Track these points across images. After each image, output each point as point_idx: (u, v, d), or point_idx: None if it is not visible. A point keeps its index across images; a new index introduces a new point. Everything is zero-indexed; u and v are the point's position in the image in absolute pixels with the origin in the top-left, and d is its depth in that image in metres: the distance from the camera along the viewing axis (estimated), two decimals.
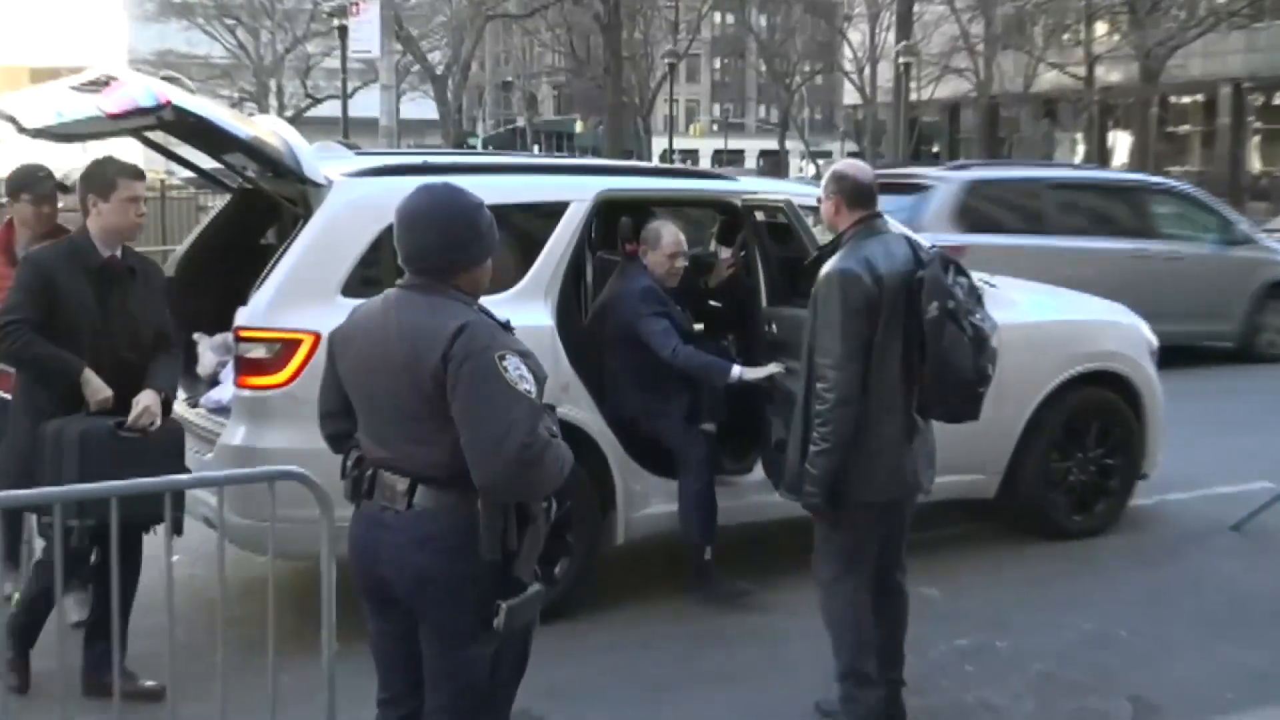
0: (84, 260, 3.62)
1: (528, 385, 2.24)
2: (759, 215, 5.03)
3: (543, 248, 4.54)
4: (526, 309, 4.26)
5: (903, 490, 3.45)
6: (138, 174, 3.63)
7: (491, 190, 4.24)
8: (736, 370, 4.53)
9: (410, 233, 2.40)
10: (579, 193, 4.69)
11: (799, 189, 5.27)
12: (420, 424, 2.34)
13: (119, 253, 3.67)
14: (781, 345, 4.68)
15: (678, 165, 15.98)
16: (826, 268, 3.35)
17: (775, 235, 4.97)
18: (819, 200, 3.51)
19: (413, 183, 2.51)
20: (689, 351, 4.57)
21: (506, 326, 2.40)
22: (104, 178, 3.58)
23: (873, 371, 3.31)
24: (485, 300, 2.50)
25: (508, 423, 2.20)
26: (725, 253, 5.68)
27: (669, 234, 4.71)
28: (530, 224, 4.70)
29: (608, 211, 5.19)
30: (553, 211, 4.64)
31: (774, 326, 4.86)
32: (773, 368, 4.62)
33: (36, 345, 3.52)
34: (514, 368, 2.23)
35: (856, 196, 3.44)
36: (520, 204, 4.60)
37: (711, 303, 5.45)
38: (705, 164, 52.70)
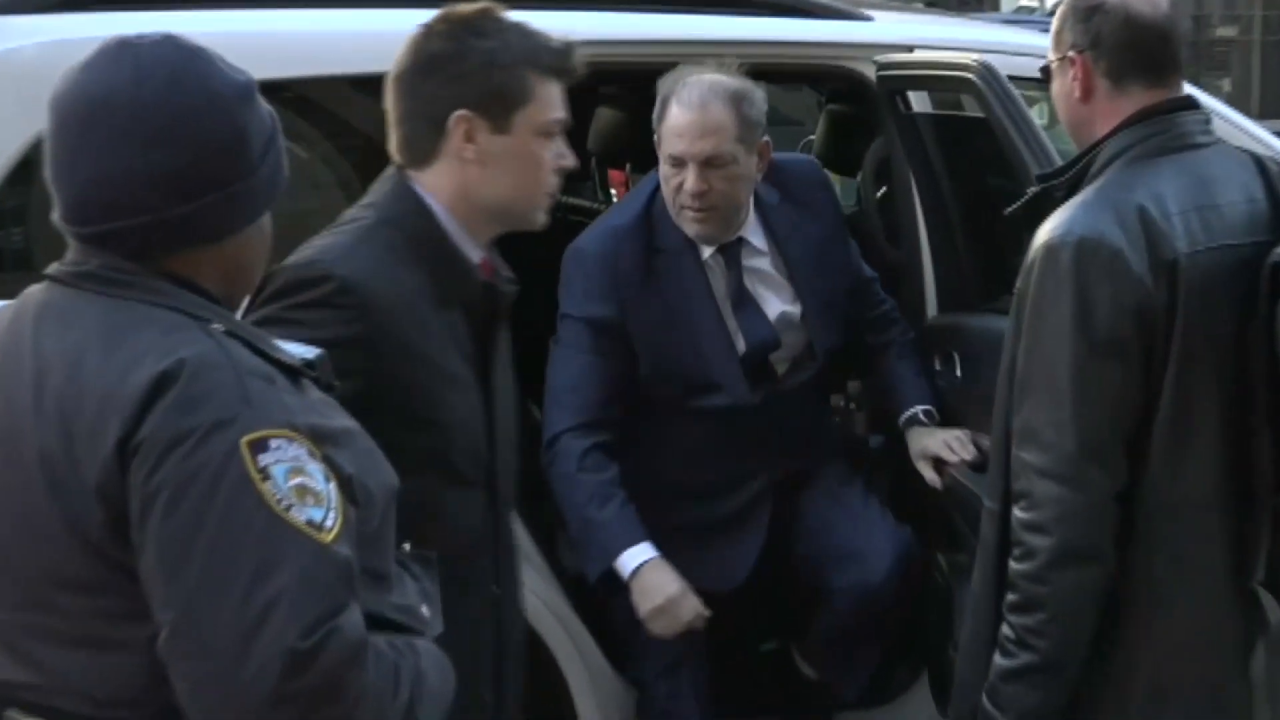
0: (453, 278, 3.36)
1: (313, 512, 2.20)
2: (914, 101, 4.73)
3: None
4: None
5: None
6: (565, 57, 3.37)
7: (286, 47, 4.24)
8: (633, 558, 4.20)
9: (77, 153, 2.34)
10: None
11: (1011, 39, 5.08)
12: (81, 599, 2.29)
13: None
14: (976, 405, 4.26)
15: None
16: (1046, 230, 3.21)
17: (957, 149, 4.71)
18: (1045, 63, 3.43)
19: (108, 26, 2.57)
20: (568, 452, 4.22)
21: (306, 371, 2.38)
22: (508, 76, 3.25)
23: (1152, 484, 3.18)
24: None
25: (258, 603, 2.16)
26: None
27: (687, 95, 4.25)
28: (379, 127, 4.75)
29: (568, 97, 5.26)
30: None
31: (956, 362, 4.55)
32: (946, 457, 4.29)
33: None
34: (283, 470, 2.20)
35: (1132, 54, 3.29)
36: (356, 77, 4.34)
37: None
38: None
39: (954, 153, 4.71)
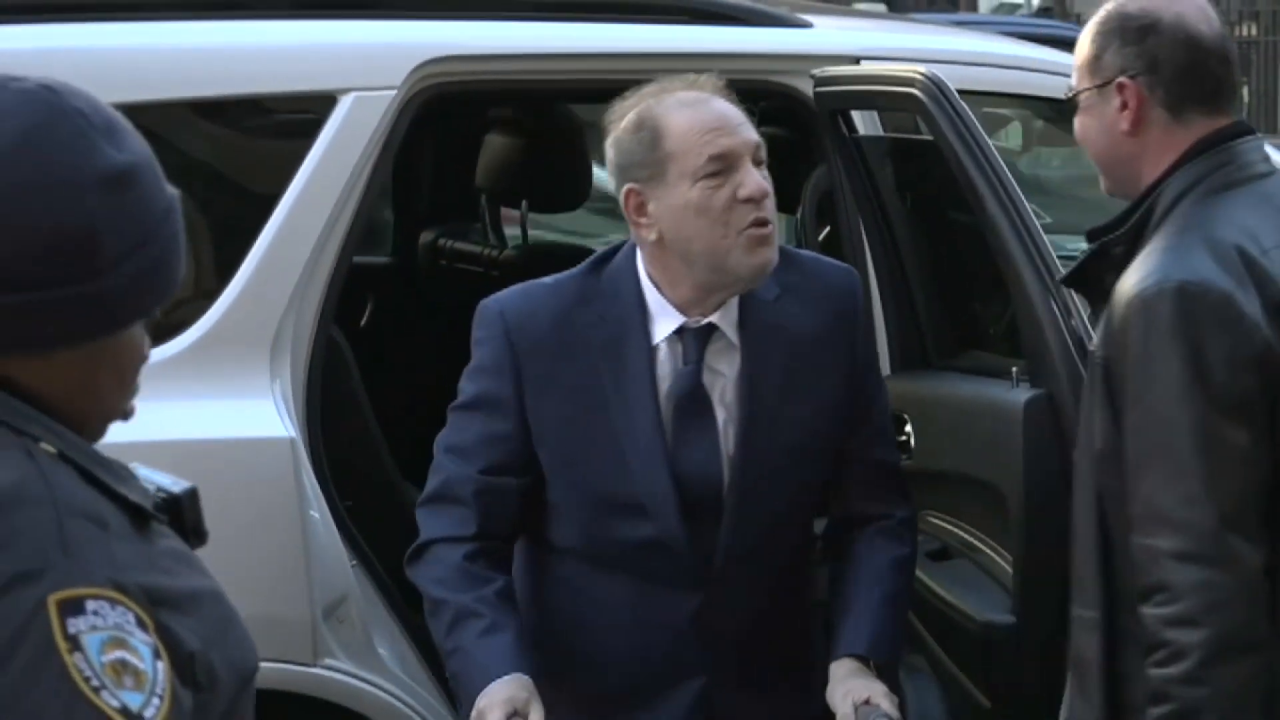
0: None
1: (129, 698, 1.92)
2: (860, 122, 4.46)
3: (262, 226, 4.12)
4: (222, 394, 4.07)
5: None
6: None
7: (112, 66, 4.18)
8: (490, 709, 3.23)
9: None
10: (362, 69, 4.30)
11: (981, 48, 5.00)
12: None
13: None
14: (929, 485, 4.11)
15: None
16: (1134, 281, 3.09)
17: (912, 178, 4.52)
18: (1073, 92, 3.30)
19: None
20: (442, 559, 3.37)
21: (156, 514, 2.11)
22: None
23: None
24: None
25: None
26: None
27: (687, 95, 3.42)
28: (226, 158, 4.53)
29: (450, 123, 5.33)
30: (289, 124, 4.44)
31: (909, 433, 4.24)
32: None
33: None
34: (97, 640, 1.96)
35: (1195, 80, 3.21)
36: (193, 102, 4.29)
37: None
38: None
39: (908, 183, 4.49)
